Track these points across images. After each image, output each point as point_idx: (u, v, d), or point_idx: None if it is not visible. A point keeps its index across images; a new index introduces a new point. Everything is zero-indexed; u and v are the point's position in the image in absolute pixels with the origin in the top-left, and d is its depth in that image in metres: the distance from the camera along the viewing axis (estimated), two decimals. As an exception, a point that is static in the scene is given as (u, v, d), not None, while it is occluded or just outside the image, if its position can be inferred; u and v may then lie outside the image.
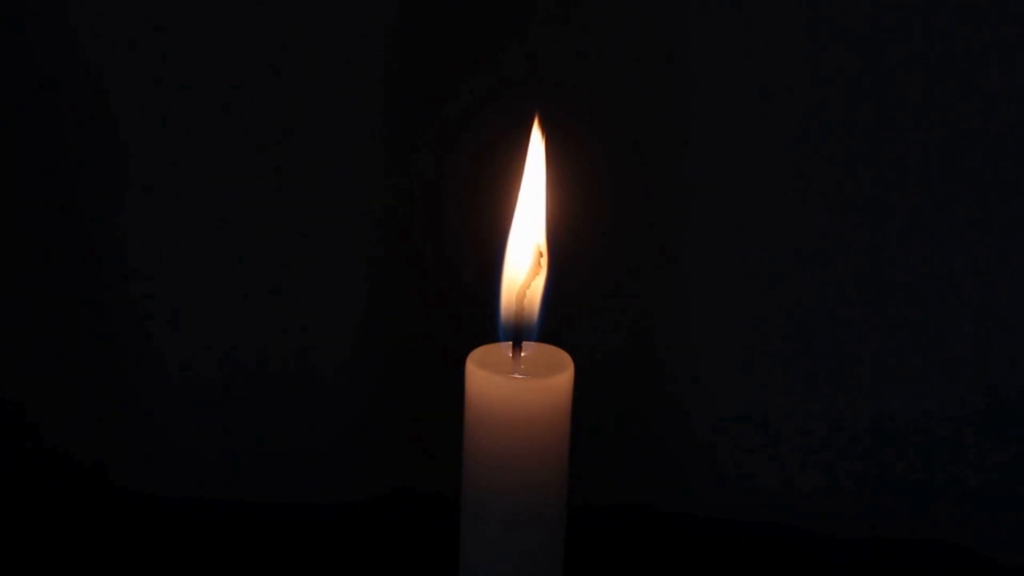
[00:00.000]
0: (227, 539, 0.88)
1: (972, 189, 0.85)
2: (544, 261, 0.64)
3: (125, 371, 0.90)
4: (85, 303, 0.89)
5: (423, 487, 0.91)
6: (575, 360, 0.64)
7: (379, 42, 0.85)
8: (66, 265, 0.88)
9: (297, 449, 0.91)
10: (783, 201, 0.87)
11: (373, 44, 0.85)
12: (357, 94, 0.86)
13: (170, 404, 0.90)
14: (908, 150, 0.85)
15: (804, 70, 0.84)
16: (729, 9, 0.84)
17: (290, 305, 0.89)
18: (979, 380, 0.88)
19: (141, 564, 0.85)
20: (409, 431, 0.91)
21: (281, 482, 0.91)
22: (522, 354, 0.64)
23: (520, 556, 0.64)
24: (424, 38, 0.85)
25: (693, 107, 0.86)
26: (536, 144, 0.65)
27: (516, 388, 0.62)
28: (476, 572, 0.64)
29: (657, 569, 0.87)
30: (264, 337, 0.89)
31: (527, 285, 0.63)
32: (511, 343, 0.64)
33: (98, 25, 0.84)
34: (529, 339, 0.64)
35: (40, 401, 0.90)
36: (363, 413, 0.91)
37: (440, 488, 0.87)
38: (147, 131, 0.86)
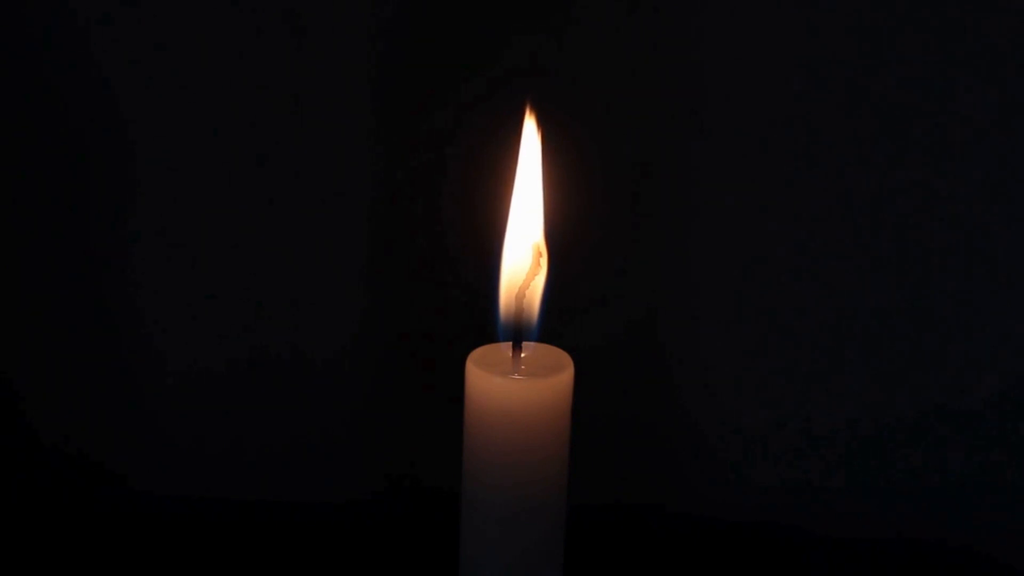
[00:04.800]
0: (226, 535, 0.88)
1: (974, 188, 0.85)
2: (544, 261, 0.64)
3: (124, 368, 0.90)
4: (85, 300, 0.89)
5: (423, 483, 0.91)
6: (575, 360, 0.64)
7: (377, 39, 0.85)
8: (67, 263, 0.88)
9: (297, 446, 0.91)
10: (786, 199, 0.87)
11: (371, 41, 0.85)
12: (356, 91, 0.86)
13: (169, 402, 0.90)
14: (914, 150, 0.85)
15: (809, 65, 0.84)
16: (731, 6, 0.84)
17: (289, 303, 0.89)
18: (980, 380, 0.88)
19: (140, 562, 0.85)
20: (410, 428, 0.91)
21: (282, 479, 0.91)
22: (522, 354, 0.64)
23: (520, 553, 0.64)
24: (422, 35, 0.85)
25: (695, 102, 0.86)
26: (528, 135, 0.65)
27: (516, 388, 0.62)
28: (476, 568, 0.64)
29: (658, 569, 0.87)
30: (263, 335, 0.89)
31: (527, 285, 0.63)
32: (511, 343, 0.64)
33: (103, 26, 0.84)
34: (529, 339, 0.64)
35: (40, 398, 0.90)
36: (364, 410, 0.91)
37: (440, 484, 0.87)
38: (148, 131, 0.86)
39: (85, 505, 0.90)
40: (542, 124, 0.65)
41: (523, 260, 0.64)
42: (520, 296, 0.64)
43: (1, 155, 0.86)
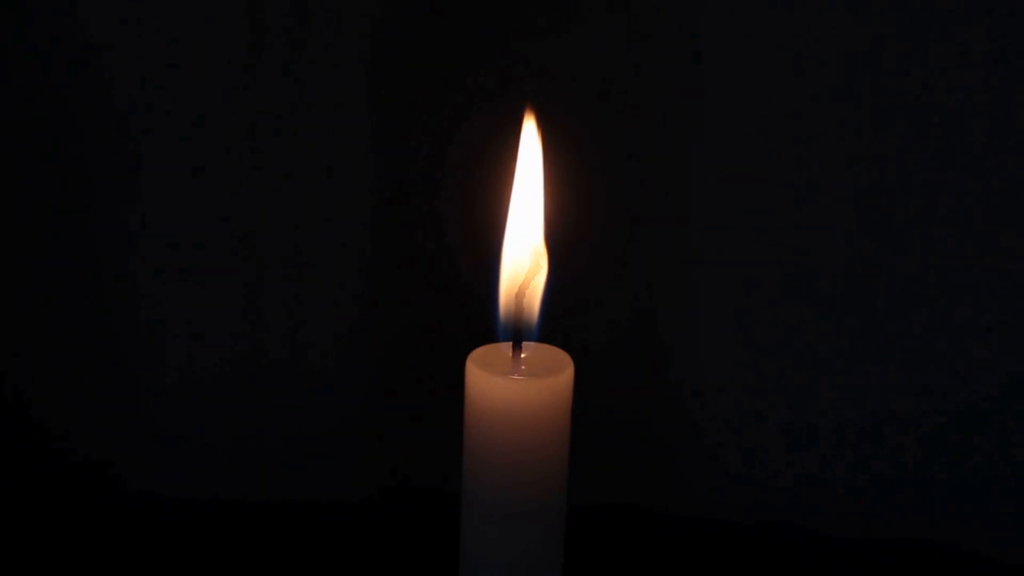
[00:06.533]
0: (226, 535, 0.88)
1: (973, 185, 0.85)
2: (544, 260, 0.64)
3: (124, 368, 0.90)
4: (85, 300, 0.89)
5: (423, 483, 0.91)
6: (575, 360, 0.64)
7: (377, 39, 0.85)
8: (67, 263, 0.88)
9: (297, 446, 0.91)
10: (786, 196, 0.87)
11: (371, 41, 0.85)
12: (355, 91, 0.86)
13: (169, 402, 0.90)
14: (916, 148, 0.85)
15: (809, 65, 0.84)
16: (731, 6, 0.84)
17: (289, 303, 0.89)
18: (981, 380, 0.88)
19: (140, 562, 0.85)
20: (410, 428, 0.91)
21: (281, 479, 0.91)
22: (522, 354, 0.64)
23: (520, 553, 0.64)
24: (422, 35, 0.85)
25: (695, 102, 0.86)
26: (528, 136, 0.65)
27: (516, 388, 0.62)
28: (476, 568, 0.64)
29: (657, 569, 0.87)
30: (263, 335, 0.89)
31: (527, 285, 0.63)
32: (511, 343, 0.64)
33: (105, 24, 0.84)
34: (529, 339, 0.64)
35: (40, 398, 0.90)
36: (364, 410, 0.91)
37: (440, 484, 0.87)
38: (148, 130, 0.86)
39: (85, 505, 0.90)
40: (542, 124, 0.65)
41: (523, 260, 0.64)
42: (520, 296, 0.63)
43: (1, 155, 0.86)
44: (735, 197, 0.87)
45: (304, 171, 0.87)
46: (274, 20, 0.84)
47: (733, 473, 0.91)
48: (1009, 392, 0.88)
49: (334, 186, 0.87)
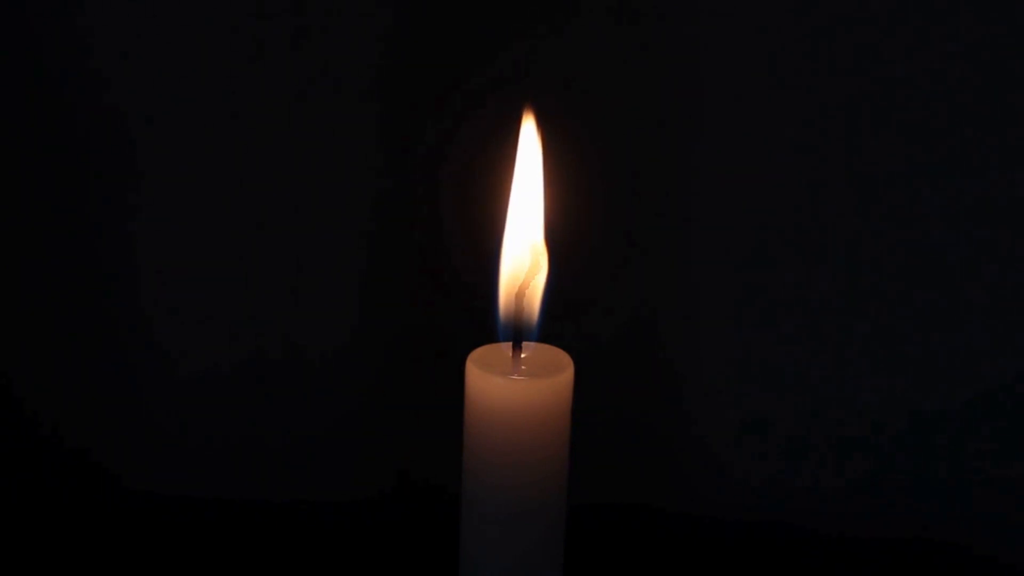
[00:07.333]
0: (226, 535, 0.88)
1: (975, 183, 0.85)
2: (544, 260, 0.64)
3: (124, 370, 0.90)
4: (85, 300, 0.89)
5: (423, 482, 0.91)
6: (575, 360, 0.64)
7: (377, 39, 0.85)
8: (66, 264, 0.88)
9: (297, 446, 0.91)
10: (786, 199, 0.87)
11: (371, 41, 0.85)
12: (355, 91, 0.86)
13: (169, 402, 0.90)
14: (912, 148, 0.85)
15: (809, 65, 0.84)
16: (731, 8, 0.84)
17: (289, 304, 0.89)
18: (979, 379, 0.88)
19: (139, 562, 0.85)
20: (410, 428, 0.91)
21: (281, 479, 0.91)
22: (522, 354, 0.64)
23: (520, 553, 0.64)
24: (421, 36, 0.85)
25: (695, 103, 0.86)
26: (528, 136, 0.65)
27: (516, 388, 0.62)
28: (476, 568, 0.64)
29: (657, 569, 0.87)
30: (263, 336, 0.89)
31: (527, 285, 0.63)
32: (511, 343, 0.64)
33: (105, 27, 0.84)
34: (529, 339, 0.64)
35: (40, 398, 0.90)
36: (363, 410, 0.91)
37: (440, 484, 0.87)
38: (150, 131, 0.86)
39: (85, 505, 0.90)
40: (542, 125, 0.65)
41: (523, 260, 0.64)
42: (520, 296, 0.64)
43: (2, 155, 0.86)
44: (735, 197, 0.87)
45: (304, 171, 0.87)
46: (274, 20, 0.84)
47: (733, 473, 0.91)
48: (1009, 392, 0.88)
49: (334, 185, 0.87)
